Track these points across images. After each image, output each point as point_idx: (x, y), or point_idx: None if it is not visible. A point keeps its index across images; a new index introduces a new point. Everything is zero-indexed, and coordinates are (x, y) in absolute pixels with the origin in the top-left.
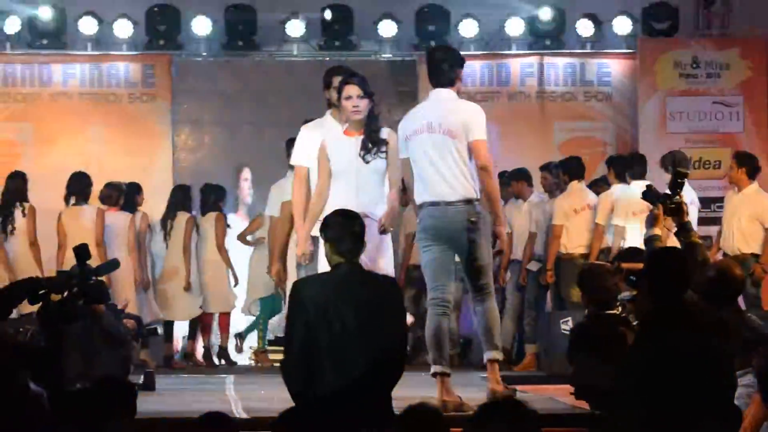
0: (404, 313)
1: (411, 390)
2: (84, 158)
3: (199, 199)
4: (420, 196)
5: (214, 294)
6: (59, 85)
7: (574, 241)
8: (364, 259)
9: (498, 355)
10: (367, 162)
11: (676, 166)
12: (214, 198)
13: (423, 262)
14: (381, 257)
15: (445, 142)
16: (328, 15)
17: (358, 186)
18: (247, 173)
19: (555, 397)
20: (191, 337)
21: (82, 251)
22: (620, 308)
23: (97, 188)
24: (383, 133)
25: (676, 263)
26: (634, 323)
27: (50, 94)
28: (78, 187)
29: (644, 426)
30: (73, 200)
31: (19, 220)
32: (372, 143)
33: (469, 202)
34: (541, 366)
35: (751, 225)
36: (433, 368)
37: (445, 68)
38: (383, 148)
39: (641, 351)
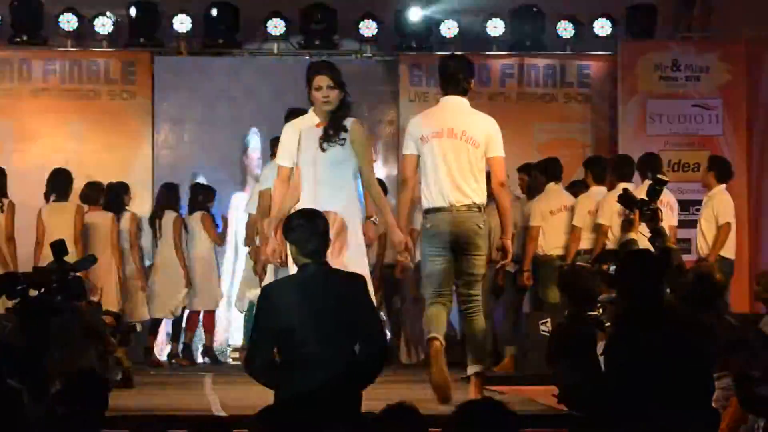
0: (374, 308)
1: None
2: (64, 155)
3: (188, 197)
4: (430, 199)
5: (201, 292)
6: (39, 81)
7: (550, 243)
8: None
9: (482, 368)
10: (324, 150)
11: (655, 172)
12: (202, 197)
13: (429, 269)
14: (344, 254)
15: (466, 149)
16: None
17: (317, 179)
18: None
19: (533, 398)
20: (174, 338)
21: (59, 247)
22: (601, 310)
23: (77, 185)
24: (347, 122)
25: (648, 264)
26: (607, 325)
27: (30, 90)
28: (58, 184)
29: (621, 427)
30: (53, 197)
31: None
32: (333, 130)
33: (479, 208)
34: (519, 367)
35: (708, 225)
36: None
37: (460, 78)
38: (342, 136)
39: (614, 352)
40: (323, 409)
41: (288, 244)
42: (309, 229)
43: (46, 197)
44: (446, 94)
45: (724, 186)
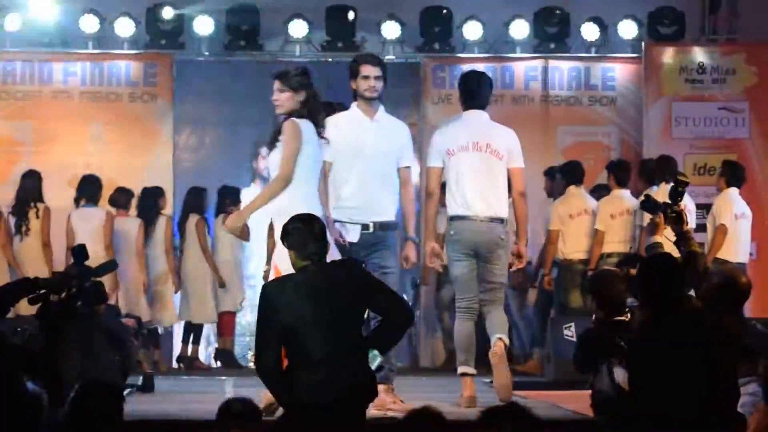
0: (383, 283)
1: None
2: (84, 157)
3: (216, 200)
4: (455, 208)
5: (230, 293)
6: (60, 84)
7: (570, 247)
8: None
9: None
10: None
11: (674, 174)
12: (229, 200)
13: (454, 273)
14: None
15: (491, 161)
16: None
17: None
18: (264, 151)
19: (558, 403)
20: (194, 341)
21: (79, 252)
22: (629, 315)
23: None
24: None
25: (669, 270)
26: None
27: (51, 92)
28: (88, 189)
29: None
30: (83, 202)
31: (33, 220)
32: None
33: (501, 221)
34: (544, 372)
35: (710, 228)
36: (462, 368)
37: (482, 93)
38: (278, 138)
39: (636, 359)
40: (331, 411)
41: (287, 251)
42: (306, 233)
43: (76, 202)
44: (467, 108)
45: (732, 189)
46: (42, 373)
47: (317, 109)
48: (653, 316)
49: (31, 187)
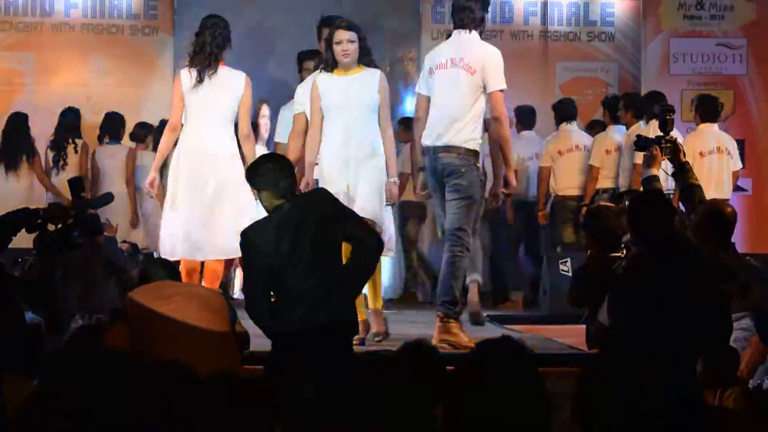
0: (352, 211)
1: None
2: (85, 89)
3: None
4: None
5: None
6: (61, 15)
7: (561, 183)
8: None
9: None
10: None
11: (662, 105)
12: None
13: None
14: None
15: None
16: None
17: None
18: (265, 110)
19: (553, 337)
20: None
21: (76, 184)
22: (624, 251)
23: (98, 120)
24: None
25: (657, 206)
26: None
27: (52, 24)
28: (111, 126)
29: (637, 368)
30: (106, 139)
31: (71, 155)
32: None
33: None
34: (540, 307)
35: None
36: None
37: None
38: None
39: (626, 294)
40: (317, 347)
41: (259, 193)
42: (277, 170)
43: (99, 139)
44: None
45: (706, 125)
46: (39, 302)
47: None
48: (644, 252)
49: (67, 124)
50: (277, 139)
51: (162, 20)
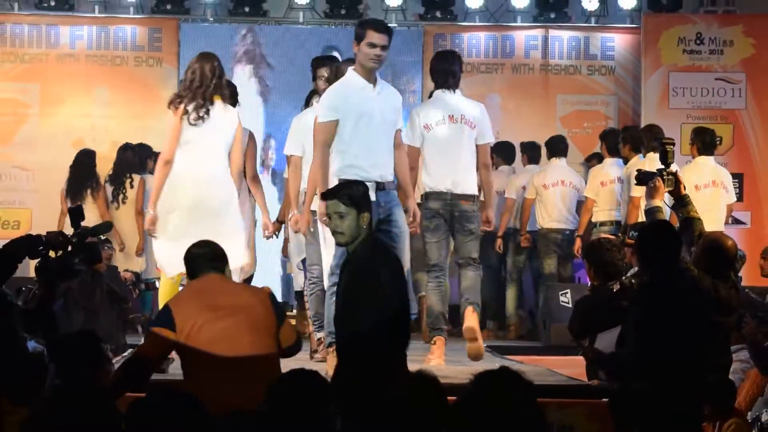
0: None
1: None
2: (90, 120)
3: None
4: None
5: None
6: (66, 47)
7: (544, 216)
8: None
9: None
10: None
11: (660, 138)
12: None
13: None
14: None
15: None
16: None
17: None
18: (272, 142)
19: (552, 369)
20: None
21: (76, 213)
22: (619, 284)
23: (103, 149)
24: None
25: (665, 236)
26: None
27: (57, 55)
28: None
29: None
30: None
31: (129, 190)
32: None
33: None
34: (540, 337)
35: None
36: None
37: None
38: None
39: (631, 324)
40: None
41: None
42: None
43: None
44: (440, 87)
45: (703, 158)
46: (39, 330)
47: None
48: (651, 282)
49: (126, 160)
50: (287, 152)
51: (166, 52)
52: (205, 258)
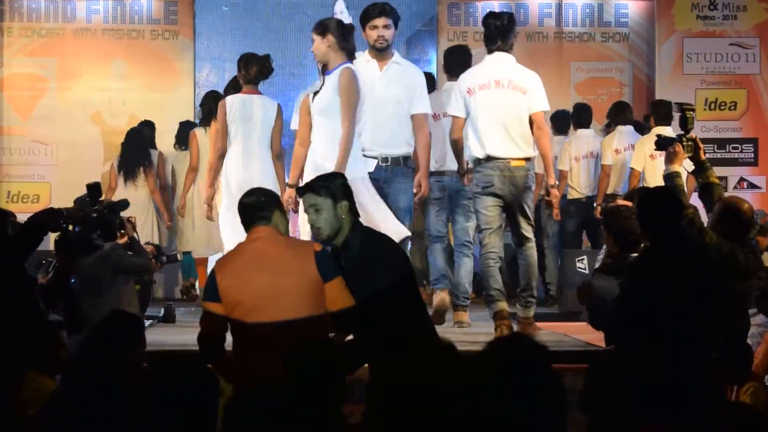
0: None
1: None
2: (107, 93)
3: None
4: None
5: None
6: (83, 21)
7: (576, 185)
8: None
9: None
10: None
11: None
12: None
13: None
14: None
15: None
16: None
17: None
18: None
19: (567, 333)
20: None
21: (94, 189)
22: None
23: (120, 123)
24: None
25: (662, 202)
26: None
27: (74, 29)
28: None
29: (651, 364)
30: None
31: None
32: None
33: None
34: (557, 304)
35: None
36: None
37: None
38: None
39: (635, 289)
40: None
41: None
42: None
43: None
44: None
45: (659, 128)
46: (57, 303)
47: None
48: (653, 248)
49: (146, 135)
50: (294, 126)
51: (182, 24)
52: (254, 208)
